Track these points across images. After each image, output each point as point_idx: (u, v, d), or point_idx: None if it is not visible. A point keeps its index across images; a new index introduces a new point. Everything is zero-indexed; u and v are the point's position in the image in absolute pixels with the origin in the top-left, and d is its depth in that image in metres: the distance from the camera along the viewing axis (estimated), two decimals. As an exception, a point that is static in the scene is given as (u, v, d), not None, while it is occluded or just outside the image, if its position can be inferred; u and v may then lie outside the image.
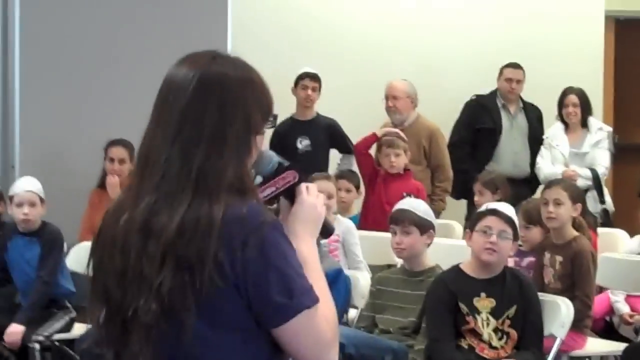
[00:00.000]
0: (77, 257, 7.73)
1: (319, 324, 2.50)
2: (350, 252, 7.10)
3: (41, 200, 7.48)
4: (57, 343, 7.33)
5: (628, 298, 7.04)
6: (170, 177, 2.49)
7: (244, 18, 9.08)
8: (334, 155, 9.04)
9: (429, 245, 6.03)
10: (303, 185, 2.67)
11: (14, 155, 8.95)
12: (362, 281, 6.25)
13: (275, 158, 2.64)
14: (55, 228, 7.59)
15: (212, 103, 2.50)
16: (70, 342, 7.33)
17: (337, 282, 5.98)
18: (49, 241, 7.52)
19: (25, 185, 7.54)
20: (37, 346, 7.22)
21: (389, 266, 6.83)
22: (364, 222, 7.70)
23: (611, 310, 7.13)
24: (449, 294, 5.50)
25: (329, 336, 2.53)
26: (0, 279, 7.67)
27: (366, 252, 7.08)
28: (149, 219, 2.49)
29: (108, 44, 8.60)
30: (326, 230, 2.79)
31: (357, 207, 8.32)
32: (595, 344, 6.57)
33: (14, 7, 8.59)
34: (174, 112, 2.51)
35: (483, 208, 5.85)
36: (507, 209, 5.72)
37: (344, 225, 7.20)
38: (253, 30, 9.43)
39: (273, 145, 8.82)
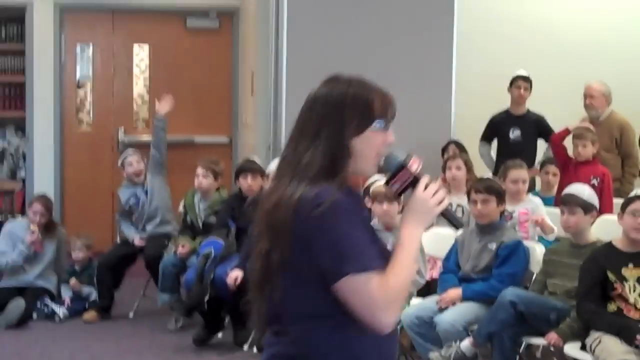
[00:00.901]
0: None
1: (370, 290, 2.59)
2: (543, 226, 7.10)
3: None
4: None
5: None
6: (284, 167, 2.77)
7: (468, 29, 9.21)
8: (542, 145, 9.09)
9: (592, 223, 6.02)
10: (423, 182, 2.74)
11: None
12: (537, 250, 6.29)
13: (399, 159, 2.74)
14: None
15: (314, 115, 2.75)
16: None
17: (517, 251, 6.13)
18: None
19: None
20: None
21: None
22: (557, 201, 7.55)
23: None
24: (598, 265, 5.51)
25: (381, 302, 2.60)
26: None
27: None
28: (267, 196, 2.79)
29: (363, 57, 8.48)
30: (454, 224, 2.92)
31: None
32: None
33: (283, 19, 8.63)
34: (295, 122, 2.82)
35: (633, 194, 5.71)
36: None
37: (533, 202, 7.18)
38: (476, 39, 9.48)
39: (490, 132, 9.16)
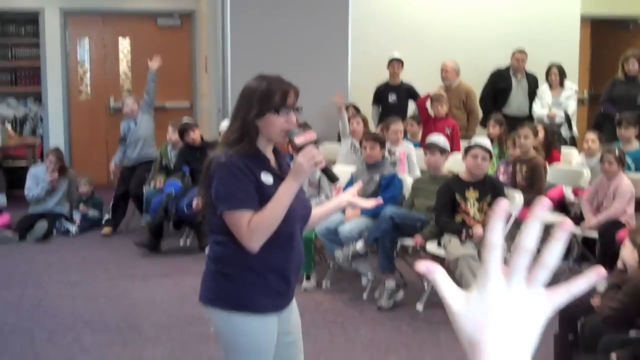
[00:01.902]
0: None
1: (237, 223, 2.67)
2: (411, 163, 7.24)
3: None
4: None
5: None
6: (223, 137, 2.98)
7: (360, 22, 9.23)
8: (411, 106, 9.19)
9: (445, 161, 6.09)
10: (304, 150, 2.69)
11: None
12: (408, 180, 6.41)
13: (292, 134, 2.75)
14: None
15: (237, 102, 2.83)
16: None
17: (394, 181, 6.18)
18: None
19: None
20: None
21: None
22: (422, 145, 7.61)
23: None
24: (449, 190, 5.62)
25: (244, 232, 2.65)
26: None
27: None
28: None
29: (284, 45, 8.67)
30: (330, 179, 2.90)
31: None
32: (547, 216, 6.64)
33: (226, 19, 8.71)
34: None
35: (473, 142, 5.75)
36: (486, 142, 5.77)
37: (408, 147, 7.29)
38: (366, 30, 9.42)
39: (376, 98, 9.20)
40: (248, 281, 2.77)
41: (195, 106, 11.31)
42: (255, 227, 2.65)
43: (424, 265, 0.87)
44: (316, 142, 2.80)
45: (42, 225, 8.07)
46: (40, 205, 8.28)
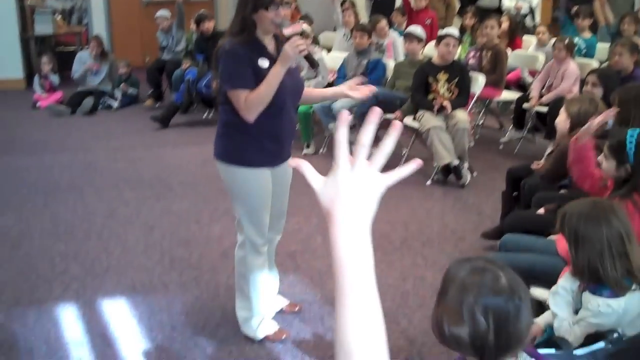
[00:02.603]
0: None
1: (237, 100, 2.81)
2: (396, 50, 7.18)
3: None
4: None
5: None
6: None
7: None
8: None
9: (423, 47, 6.14)
10: (291, 39, 2.74)
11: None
12: (390, 64, 6.40)
13: (282, 26, 2.79)
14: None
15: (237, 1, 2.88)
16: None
17: (379, 65, 6.22)
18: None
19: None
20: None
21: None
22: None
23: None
24: (423, 72, 5.61)
25: (242, 107, 2.80)
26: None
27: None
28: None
29: None
30: (311, 64, 2.88)
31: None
32: (506, 95, 6.55)
33: None
34: None
35: (444, 32, 5.65)
36: (455, 32, 5.69)
37: (394, 37, 7.22)
38: None
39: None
40: (246, 141, 2.92)
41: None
42: (250, 102, 2.79)
43: (294, 162, 0.98)
44: (302, 34, 2.80)
45: (88, 101, 8.15)
46: (87, 84, 8.30)
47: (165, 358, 3.23)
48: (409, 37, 6.07)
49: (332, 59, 6.80)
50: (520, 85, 7.02)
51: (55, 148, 6.74)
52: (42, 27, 9.71)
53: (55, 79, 8.53)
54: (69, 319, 3.56)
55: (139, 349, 3.31)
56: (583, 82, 4.89)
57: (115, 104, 8.35)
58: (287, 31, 2.77)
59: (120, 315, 3.62)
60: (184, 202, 5.25)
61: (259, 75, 2.80)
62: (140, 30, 10.73)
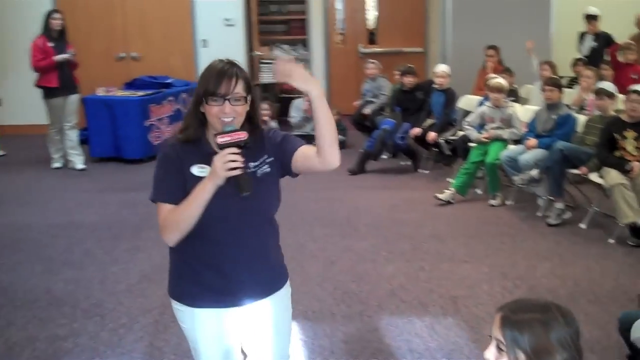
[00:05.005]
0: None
1: (158, 214, 2.20)
2: None
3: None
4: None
5: None
6: None
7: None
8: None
9: (611, 104, 5.96)
10: (223, 152, 2.09)
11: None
12: (581, 120, 6.22)
13: (224, 130, 2.12)
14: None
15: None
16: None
17: (569, 119, 6.12)
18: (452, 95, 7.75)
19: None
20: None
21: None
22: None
23: None
24: (609, 129, 5.55)
25: (161, 225, 2.17)
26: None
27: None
28: None
29: None
30: (239, 188, 2.11)
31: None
32: None
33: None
34: None
35: (632, 88, 5.48)
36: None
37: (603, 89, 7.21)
38: None
39: (579, 43, 8.81)
40: (181, 271, 2.32)
41: (427, 51, 11.50)
42: (167, 221, 2.17)
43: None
44: (243, 146, 2.12)
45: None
46: (300, 129, 8.96)
47: (318, 378, 3.62)
48: (599, 93, 6.03)
49: (526, 112, 6.89)
50: None
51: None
52: (267, 76, 10.75)
53: (273, 124, 9.37)
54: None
55: (298, 367, 3.72)
56: None
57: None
58: (221, 139, 2.10)
59: (288, 336, 4.07)
60: (365, 242, 5.65)
61: (191, 186, 2.16)
62: (356, 79, 11.43)
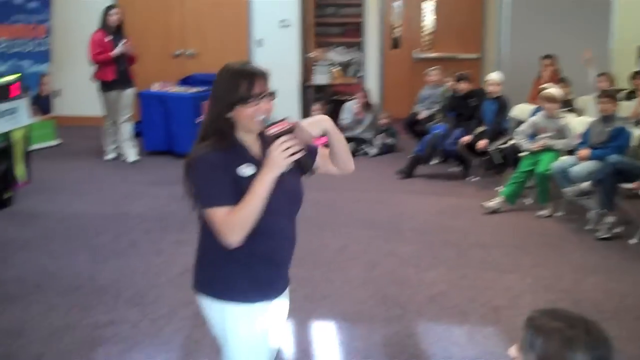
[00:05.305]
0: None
1: (215, 220, 2.17)
2: None
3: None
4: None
5: None
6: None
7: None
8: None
9: None
10: (278, 141, 2.14)
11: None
12: (636, 133, 6.14)
13: (266, 124, 2.19)
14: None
15: (210, 97, 2.30)
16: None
17: (623, 133, 5.99)
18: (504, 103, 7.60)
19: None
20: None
21: None
22: None
23: None
24: None
25: (223, 229, 2.15)
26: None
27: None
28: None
29: None
30: (303, 169, 2.28)
31: None
32: None
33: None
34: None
35: None
36: None
37: None
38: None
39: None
40: (235, 271, 2.31)
41: (483, 58, 11.33)
42: (230, 223, 2.16)
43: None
44: (291, 131, 2.18)
45: (349, 146, 8.84)
46: (351, 131, 8.99)
47: (352, 379, 3.60)
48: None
49: (581, 123, 6.75)
50: None
51: (312, 185, 7.40)
52: (320, 77, 10.78)
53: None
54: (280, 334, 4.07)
55: (332, 367, 3.72)
56: None
57: (372, 151, 8.95)
58: (271, 130, 2.18)
59: (325, 337, 4.08)
60: (409, 247, 5.60)
61: (241, 187, 2.19)
62: (409, 84, 11.36)
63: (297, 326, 4.17)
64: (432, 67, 9.16)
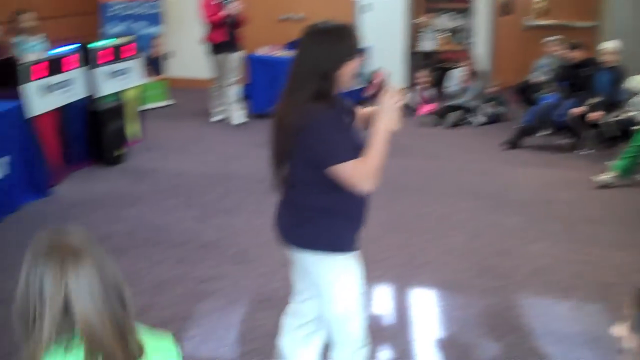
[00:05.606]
0: None
1: (347, 174, 2.30)
2: None
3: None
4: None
5: None
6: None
7: None
8: None
9: None
10: (385, 91, 2.33)
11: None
12: None
13: (366, 74, 2.10)
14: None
15: (313, 57, 2.41)
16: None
17: None
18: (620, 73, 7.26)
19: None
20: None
21: None
22: None
23: None
24: None
25: (357, 179, 2.30)
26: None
27: None
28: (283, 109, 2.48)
29: None
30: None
31: None
32: None
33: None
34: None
35: None
36: None
37: None
38: None
39: None
40: (341, 226, 2.50)
41: (601, 26, 10.74)
42: (363, 173, 2.31)
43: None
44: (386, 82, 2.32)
45: (454, 115, 8.66)
46: (455, 99, 8.81)
47: (450, 348, 3.57)
48: None
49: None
50: None
51: (416, 153, 7.35)
52: (427, 43, 10.57)
53: (428, 93, 9.24)
54: (379, 298, 4.08)
55: (430, 336, 3.69)
56: None
57: (479, 120, 8.73)
58: (377, 79, 2.34)
59: (423, 304, 4.05)
60: (513, 218, 5.45)
61: (353, 137, 2.44)
62: (520, 52, 10.97)
63: (395, 292, 4.17)
64: (553, 37, 8.74)
